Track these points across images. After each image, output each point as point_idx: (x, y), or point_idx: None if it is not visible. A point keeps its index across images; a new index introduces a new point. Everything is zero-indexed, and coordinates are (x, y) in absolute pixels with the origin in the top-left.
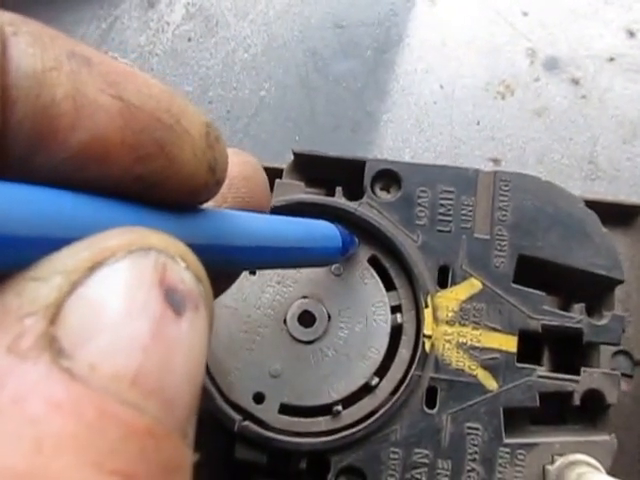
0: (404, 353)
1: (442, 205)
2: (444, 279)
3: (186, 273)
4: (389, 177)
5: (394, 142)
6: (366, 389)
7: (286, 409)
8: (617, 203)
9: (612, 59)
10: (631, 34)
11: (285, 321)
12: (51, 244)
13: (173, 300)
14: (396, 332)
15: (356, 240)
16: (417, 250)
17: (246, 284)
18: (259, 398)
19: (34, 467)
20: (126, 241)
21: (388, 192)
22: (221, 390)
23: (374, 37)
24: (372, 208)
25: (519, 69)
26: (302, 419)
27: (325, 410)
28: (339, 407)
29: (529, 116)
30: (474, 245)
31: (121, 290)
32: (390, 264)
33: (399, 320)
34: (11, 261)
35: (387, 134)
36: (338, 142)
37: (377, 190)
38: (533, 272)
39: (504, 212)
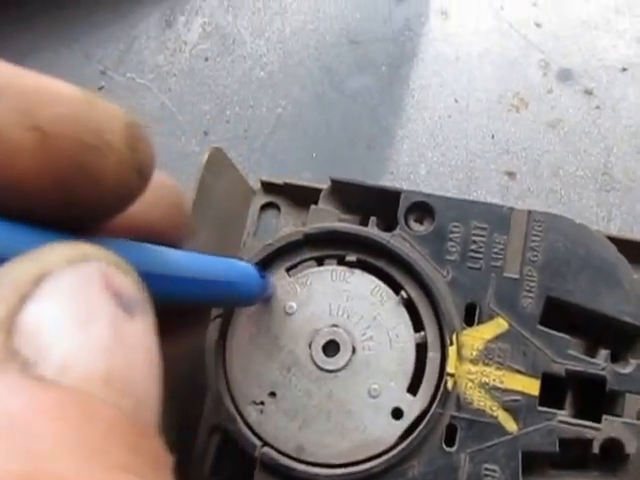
0: (427, 389)
1: (474, 241)
2: (471, 317)
3: (127, 278)
4: (423, 209)
5: (410, 157)
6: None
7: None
8: None
9: (625, 69)
10: None
11: (310, 347)
12: None
13: (123, 303)
14: (420, 368)
15: (272, 282)
16: (446, 286)
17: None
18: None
19: (32, 472)
20: (67, 252)
21: (422, 224)
22: (242, 415)
23: (388, 53)
24: (404, 240)
25: (532, 81)
26: None
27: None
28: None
29: (543, 128)
30: (503, 284)
31: (73, 296)
32: (419, 299)
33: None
34: None
35: (403, 149)
36: (355, 158)
37: (411, 221)
38: (560, 314)
39: (535, 252)
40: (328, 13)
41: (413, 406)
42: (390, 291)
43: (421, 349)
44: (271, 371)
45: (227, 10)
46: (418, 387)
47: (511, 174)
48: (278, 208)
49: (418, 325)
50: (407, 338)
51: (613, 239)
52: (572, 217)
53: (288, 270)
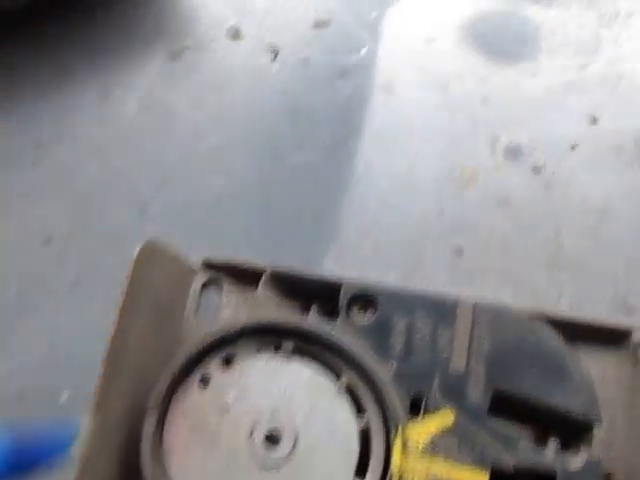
0: (374, 473)
1: (418, 334)
2: (417, 409)
3: None
4: (365, 299)
5: (356, 234)
6: None
7: None
8: (607, 326)
9: (574, 147)
10: (593, 120)
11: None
12: None
13: None
14: (366, 452)
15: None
16: (390, 378)
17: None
18: None
19: None
20: None
21: (364, 313)
22: None
23: (332, 127)
24: (347, 332)
25: (481, 158)
26: None
27: None
28: None
29: (492, 205)
30: (449, 376)
31: None
32: (359, 384)
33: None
34: None
35: (349, 226)
36: (299, 234)
37: (353, 311)
38: (509, 405)
39: (481, 345)
40: (269, 88)
41: None
42: (330, 377)
43: (365, 434)
44: (211, 468)
45: (165, 83)
46: (365, 473)
47: (459, 251)
48: (220, 285)
49: (360, 410)
50: (349, 424)
51: (564, 320)
52: (522, 296)
53: (224, 362)
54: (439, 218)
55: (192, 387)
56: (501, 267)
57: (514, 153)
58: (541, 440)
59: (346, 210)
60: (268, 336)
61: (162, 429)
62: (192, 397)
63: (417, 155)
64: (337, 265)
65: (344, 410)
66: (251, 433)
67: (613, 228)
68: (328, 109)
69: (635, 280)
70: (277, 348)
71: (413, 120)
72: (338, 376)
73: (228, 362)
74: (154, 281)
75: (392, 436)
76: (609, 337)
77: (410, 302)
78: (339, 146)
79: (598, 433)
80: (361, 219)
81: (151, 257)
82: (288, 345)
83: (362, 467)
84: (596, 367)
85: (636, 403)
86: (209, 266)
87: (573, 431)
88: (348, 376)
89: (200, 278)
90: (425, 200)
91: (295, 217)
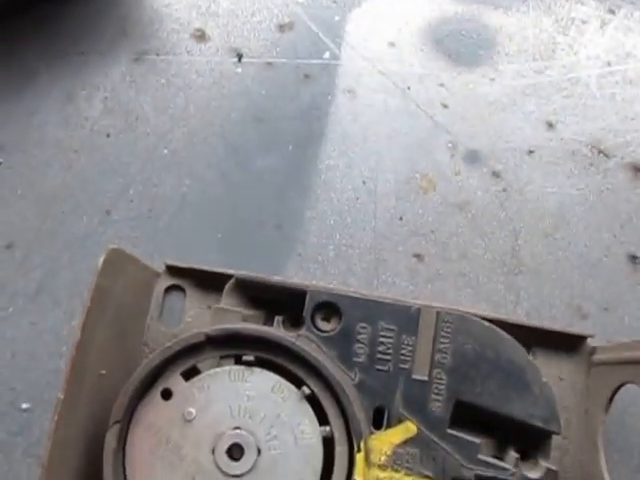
0: None
1: (382, 343)
2: (379, 420)
3: None
4: (330, 308)
5: (318, 239)
6: None
7: None
8: (563, 332)
9: (532, 151)
10: (550, 125)
11: (213, 452)
12: None
13: None
14: (329, 462)
15: None
16: (354, 389)
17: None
18: None
19: None
20: None
21: (329, 322)
22: None
23: (295, 131)
24: (311, 341)
25: (440, 163)
26: None
27: None
28: None
29: (451, 210)
30: (412, 387)
31: None
32: (321, 393)
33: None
34: None
35: (311, 230)
36: (262, 239)
37: (318, 320)
38: (469, 415)
39: (444, 354)
40: (233, 90)
41: None
42: (292, 387)
43: (328, 443)
44: None
45: (130, 85)
46: None
47: (419, 256)
48: (183, 290)
49: (323, 419)
50: (312, 433)
51: (521, 326)
52: (481, 301)
53: (186, 374)
54: (400, 223)
55: (154, 400)
56: (461, 272)
57: (473, 158)
58: (501, 451)
59: (309, 214)
60: (231, 346)
61: (125, 443)
62: (154, 410)
63: (378, 160)
64: (300, 269)
65: (307, 420)
66: (214, 447)
67: (568, 233)
68: (292, 113)
69: (589, 286)
70: (239, 358)
71: (374, 124)
72: (301, 386)
73: (190, 374)
74: (118, 289)
75: (355, 447)
76: (565, 343)
77: (374, 310)
78: (302, 150)
79: (556, 442)
80: (323, 224)
81: (115, 265)
82: (251, 355)
83: (326, 477)
84: (552, 372)
85: (591, 408)
86: (172, 271)
87: (532, 441)
88: (311, 386)
89: (163, 283)
90: (386, 206)
91: (259, 222)
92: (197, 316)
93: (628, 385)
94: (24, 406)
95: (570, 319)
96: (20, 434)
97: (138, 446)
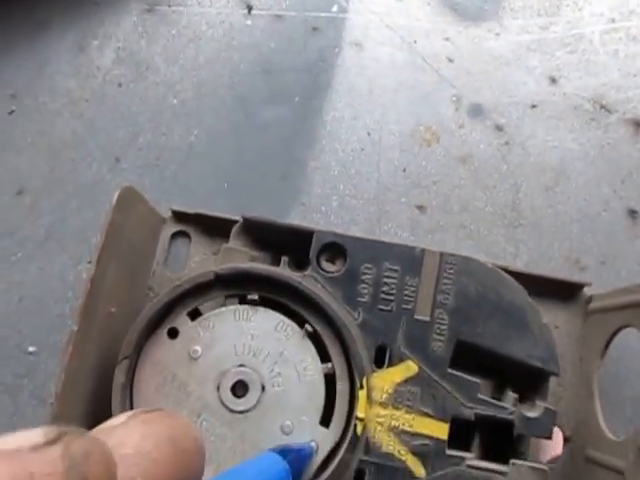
0: (339, 420)
1: (385, 283)
2: (381, 359)
3: None
4: (335, 250)
5: (322, 189)
6: None
7: None
8: (559, 279)
9: (534, 106)
10: (553, 80)
11: (218, 389)
12: None
13: None
14: (331, 399)
15: (312, 449)
16: (357, 328)
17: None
18: None
19: None
20: None
21: (334, 264)
22: None
23: (302, 83)
24: (316, 282)
25: (444, 116)
26: None
27: None
28: None
29: (454, 163)
30: (414, 327)
31: None
32: (323, 330)
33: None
34: None
35: (315, 181)
36: (267, 189)
37: (323, 261)
38: (469, 356)
39: (446, 295)
40: (242, 42)
41: (327, 438)
42: (294, 325)
43: (330, 380)
44: None
45: (141, 36)
46: (330, 419)
47: (421, 208)
48: (189, 237)
49: (325, 357)
50: (315, 370)
51: (519, 274)
52: (481, 252)
53: (192, 314)
54: (403, 174)
55: (161, 339)
56: (462, 224)
57: (477, 111)
58: (499, 393)
59: (313, 165)
60: (238, 286)
61: (132, 380)
62: (161, 349)
63: (383, 112)
64: (303, 219)
65: (310, 357)
66: (219, 384)
67: (568, 187)
68: (299, 65)
69: (588, 239)
70: (243, 298)
71: (380, 77)
72: (303, 325)
73: (196, 314)
74: (130, 227)
75: (356, 385)
76: (561, 291)
77: (379, 251)
78: (309, 102)
79: (553, 385)
80: (327, 174)
81: (128, 203)
82: (255, 295)
83: (327, 413)
84: (548, 321)
85: (586, 358)
86: (178, 217)
87: (530, 383)
88: (314, 325)
89: (169, 229)
90: (389, 158)
91: (264, 172)
92: (202, 262)
93: (622, 337)
94: (30, 349)
95: (568, 272)
96: (26, 377)
97: (145, 384)
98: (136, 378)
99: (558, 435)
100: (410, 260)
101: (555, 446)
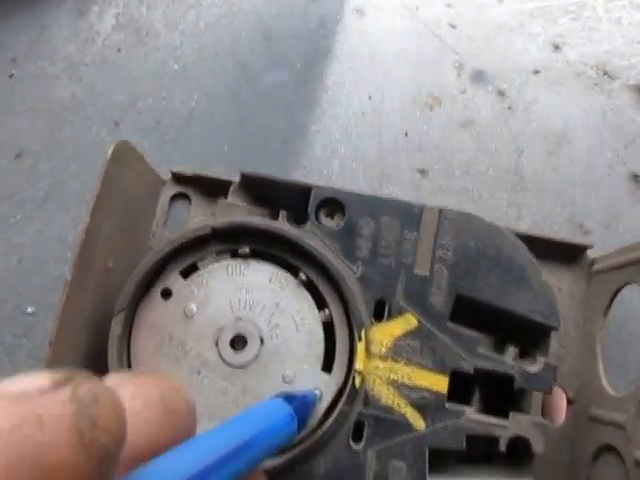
0: (334, 384)
1: (384, 238)
2: (380, 312)
3: None
4: (334, 205)
5: (323, 153)
6: None
7: None
8: (563, 241)
9: (537, 72)
10: (556, 47)
11: (217, 345)
12: None
13: None
14: (331, 345)
15: (316, 396)
16: (356, 282)
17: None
18: None
19: None
20: None
21: (332, 219)
22: None
23: (303, 49)
24: (315, 236)
25: (446, 81)
26: None
27: None
28: None
29: (456, 128)
30: (413, 281)
31: None
32: (317, 278)
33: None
34: None
35: (316, 145)
36: (268, 153)
37: (322, 216)
38: (469, 311)
39: (446, 250)
40: (243, 8)
41: (330, 384)
42: (289, 275)
43: (328, 327)
44: (181, 377)
45: (141, 1)
46: (332, 364)
47: (423, 172)
48: (189, 199)
49: (321, 304)
50: (312, 319)
51: (522, 236)
52: (483, 216)
53: (185, 271)
54: (405, 138)
55: (155, 301)
56: (464, 187)
57: (479, 77)
58: (500, 348)
59: (314, 128)
60: (232, 241)
61: (129, 336)
62: (156, 310)
63: (385, 78)
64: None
65: (306, 305)
66: (217, 340)
67: (571, 152)
68: (300, 32)
69: (591, 204)
70: (234, 253)
71: (382, 44)
72: (296, 273)
73: (189, 271)
74: (126, 182)
75: (355, 337)
76: (564, 254)
77: (377, 206)
78: (310, 68)
79: (554, 341)
80: (328, 138)
81: (124, 157)
82: (246, 248)
83: (329, 360)
84: (551, 284)
85: (589, 319)
86: (178, 178)
87: (531, 338)
88: (305, 270)
89: (169, 190)
90: (391, 122)
91: (265, 136)
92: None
93: (625, 302)
94: (29, 310)
95: (571, 236)
96: (25, 337)
97: (142, 347)
98: (133, 343)
99: (562, 399)
100: (409, 215)
101: (559, 410)
